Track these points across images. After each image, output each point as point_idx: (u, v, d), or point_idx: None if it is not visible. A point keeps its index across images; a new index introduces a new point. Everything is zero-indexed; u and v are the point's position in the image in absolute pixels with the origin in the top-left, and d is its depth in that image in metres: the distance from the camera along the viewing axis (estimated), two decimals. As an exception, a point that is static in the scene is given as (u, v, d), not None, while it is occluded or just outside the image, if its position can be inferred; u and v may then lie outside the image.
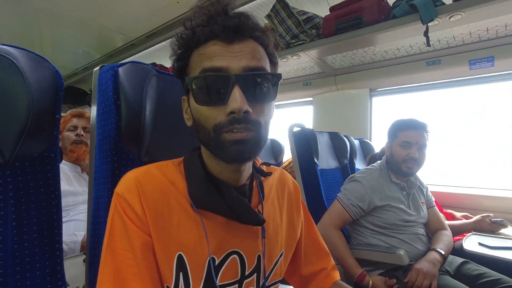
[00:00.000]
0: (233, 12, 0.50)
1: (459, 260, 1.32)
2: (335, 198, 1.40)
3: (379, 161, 1.50)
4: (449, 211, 1.85)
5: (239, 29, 0.49)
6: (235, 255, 0.55)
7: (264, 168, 0.66)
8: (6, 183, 0.53)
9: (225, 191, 0.53)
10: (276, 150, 2.62)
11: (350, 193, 1.35)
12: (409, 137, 1.35)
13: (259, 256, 0.58)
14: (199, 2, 0.52)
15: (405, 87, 2.29)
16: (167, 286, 0.52)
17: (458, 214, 1.78)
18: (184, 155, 0.60)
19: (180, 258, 0.51)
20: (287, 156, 2.58)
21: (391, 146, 1.42)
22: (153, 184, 0.53)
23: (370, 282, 1.21)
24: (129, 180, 0.53)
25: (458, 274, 1.26)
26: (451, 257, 1.35)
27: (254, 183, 0.61)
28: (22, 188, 0.55)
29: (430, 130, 1.38)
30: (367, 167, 1.51)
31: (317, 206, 1.48)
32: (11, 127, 0.53)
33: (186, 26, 0.52)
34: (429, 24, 1.43)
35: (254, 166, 0.62)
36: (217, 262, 0.53)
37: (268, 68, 0.53)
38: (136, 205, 0.51)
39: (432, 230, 1.42)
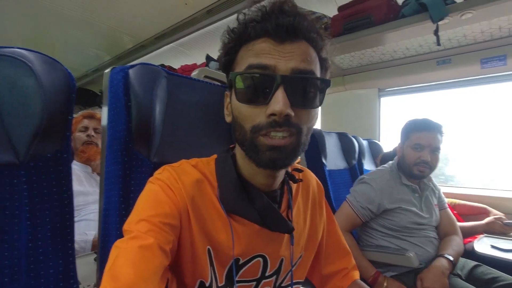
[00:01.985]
0: (289, 9, 0.47)
1: (471, 263, 1.29)
2: (344, 199, 1.38)
3: (390, 162, 1.47)
4: (463, 202, 1.81)
5: (292, 29, 0.46)
6: (259, 258, 0.55)
7: (297, 174, 0.64)
8: (20, 183, 0.54)
9: (256, 197, 0.51)
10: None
11: (359, 195, 1.32)
12: (421, 139, 1.30)
13: (281, 260, 0.58)
14: None
15: (414, 87, 2.26)
16: (201, 281, 0.52)
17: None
18: (197, 155, 0.60)
19: (209, 252, 0.51)
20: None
21: (403, 148, 1.37)
22: (190, 177, 0.52)
23: (385, 283, 1.18)
24: (166, 172, 0.52)
25: (470, 277, 1.24)
26: (462, 260, 1.32)
27: (285, 188, 0.60)
28: (36, 188, 0.56)
29: (445, 131, 1.33)
30: (378, 168, 1.48)
31: (325, 207, 1.47)
32: (25, 128, 0.54)
33: (239, 20, 0.50)
34: (439, 23, 1.41)
35: (286, 171, 0.60)
36: (241, 262, 0.54)
37: (318, 72, 0.50)
38: (176, 187, 0.50)
39: (442, 234, 1.39)
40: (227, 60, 0.53)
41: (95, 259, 0.97)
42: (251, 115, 0.47)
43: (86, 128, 1.56)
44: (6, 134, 0.53)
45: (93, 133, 1.55)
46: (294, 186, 0.64)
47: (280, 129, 0.45)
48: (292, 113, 0.45)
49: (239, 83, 0.47)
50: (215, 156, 0.59)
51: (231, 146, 0.60)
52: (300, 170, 0.65)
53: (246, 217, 0.52)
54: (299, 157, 1.64)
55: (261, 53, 0.46)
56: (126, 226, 0.47)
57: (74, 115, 1.44)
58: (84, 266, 0.94)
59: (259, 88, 0.46)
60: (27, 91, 0.53)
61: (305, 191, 0.67)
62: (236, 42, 0.50)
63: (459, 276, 1.23)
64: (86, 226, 1.34)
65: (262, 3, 0.48)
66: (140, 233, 0.44)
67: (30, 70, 0.54)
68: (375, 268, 1.23)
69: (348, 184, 1.68)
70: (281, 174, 0.55)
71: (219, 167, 0.55)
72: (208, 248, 0.51)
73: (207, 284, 0.51)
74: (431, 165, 1.30)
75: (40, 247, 0.56)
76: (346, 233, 1.29)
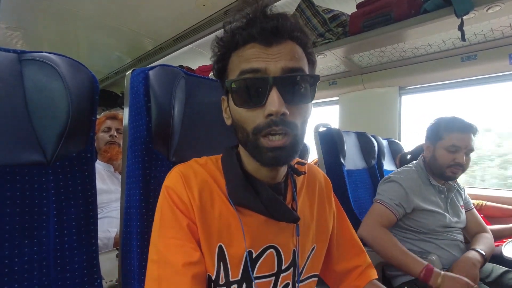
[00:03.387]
0: (271, 13, 0.51)
1: (500, 269, 1.23)
2: (363, 199, 1.35)
3: (414, 162, 1.41)
4: (491, 204, 1.73)
5: (277, 31, 0.49)
6: (272, 250, 0.57)
7: (300, 167, 0.66)
8: (48, 182, 0.57)
9: (261, 189, 0.55)
10: (301, 150, 2.59)
11: (390, 193, 1.26)
12: (458, 140, 1.23)
13: (294, 251, 0.60)
14: (239, 6, 0.52)
15: (437, 85, 2.18)
16: (209, 275, 0.54)
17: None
18: (214, 153, 0.62)
19: (220, 248, 0.54)
20: (313, 156, 2.55)
21: (434, 148, 1.30)
22: (197, 177, 0.56)
23: (439, 279, 0.99)
24: (175, 175, 0.56)
25: (499, 284, 1.17)
26: (490, 265, 1.26)
27: (288, 180, 0.62)
28: (62, 186, 0.59)
29: (478, 132, 1.26)
30: (403, 168, 1.42)
31: (343, 207, 1.44)
32: (53, 129, 0.57)
33: (226, 29, 0.53)
34: (464, 17, 1.35)
35: (289, 165, 0.62)
36: (254, 255, 0.56)
37: (306, 68, 0.53)
38: (183, 195, 0.54)
39: (471, 234, 1.33)
40: (220, 67, 0.56)
41: (117, 256, 1.00)
42: (251, 117, 0.50)
43: (109, 129, 1.62)
44: (35, 135, 0.56)
45: (115, 134, 1.61)
46: (299, 180, 0.66)
47: (277, 128, 0.48)
48: (287, 112, 0.48)
49: (235, 89, 0.51)
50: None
51: (236, 144, 0.63)
52: (303, 163, 0.67)
53: (252, 208, 0.55)
54: (316, 157, 1.62)
55: (251, 58, 0.49)
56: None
57: (97, 116, 1.50)
58: (107, 262, 0.97)
59: (254, 91, 0.49)
60: (54, 93, 0.56)
61: (311, 185, 0.68)
62: (226, 50, 0.53)
63: (486, 283, 1.17)
64: (109, 223, 1.39)
65: (246, 10, 0.51)
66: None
67: (57, 73, 0.56)
68: (424, 262, 1.06)
69: (367, 184, 1.64)
70: (283, 168, 0.59)
71: (225, 164, 0.59)
72: (220, 245, 0.54)
73: (213, 278, 0.54)
74: (464, 167, 1.25)
75: (66, 242, 0.58)
76: (383, 229, 1.17)
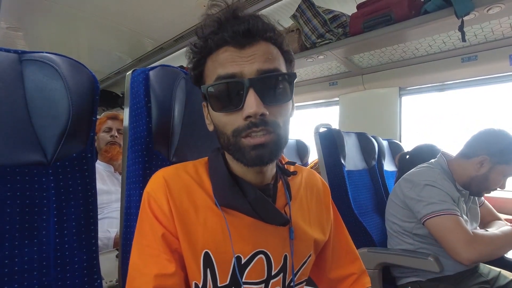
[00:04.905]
0: (242, 15, 0.50)
1: (506, 278, 1.21)
2: (363, 200, 1.34)
3: (433, 161, 1.32)
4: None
5: (248, 33, 0.49)
6: (261, 255, 0.55)
7: (290, 168, 0.64)
8: (48, 182, 0.57)
9: (248, 190, 0.53)
10: (301, 151, 2.59)
11: (443, 199, 1.12)
12: None
13: (285, 256, 0.58)
14: (209, 10, 0.52)
15: (437, 85, 2.18)
16: (195, 283, 0.53)
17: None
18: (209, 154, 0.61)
19: (206, 255, 0.52)
20: (313, 157, 2.55)
21: (492, 168, 1.16)
22: (180, 184, 0.55)
23: None
24: (157, 180, 0.55)
25: None
26: (497, 270, 1.25)
27: (280, 183, 0.60)
28: (63, 186, 0.59)
29: None
30: (425, 168, 1.28)
31: (343, 208, 1.44)
32: (53, 129, 0.57)
33: (198, 35, 0.52)
34: (464, 18, 1.35)
35: (277, 165, 0.61)
36: (243, 261, 0.54)
37: (283, 67, 0.53)
38: (164, 204, 0.53)
39: (485, 223, 1.31)
40: (196, 74, 0.55)
41: (117, 256, 1.00)
42: (230, 121, 0.50)
43: (110, 129, 1.62)
44: (36, 135, 0.56)
45: (116, 134, 1.61)
46: (295, 184, 0.64)
47: (257, 129, 0.47)
48: (267, 112, 0.47)
49: (212, 94, 0.50)
50: None
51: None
52: (292, 163, 0.65)
53: (239, 209, 0.53)
54: (316, 158, 1.62)
55: (225, 63, 0.49)
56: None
57: (98, 116, 1.50)
58: (106, 262, 0.97)
59: (231, 95, 0.49)
60: (55, 93, 0.56)
61: (309, 189, 0.67)
62: (200, 56, 0.53)
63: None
64: (109, 223, 1.39)
65: (217, 14, 0.51)
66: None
67: (57, 73, 0.56)
68: None
69: (368, 185, 1.64)
70: (270, 169, 0.57)
71: (211, 165, 0.58)
72: (206, 252, 0.52)
73: (200, 286, 0.53)
74: None
75: (66, 242, 0.58)
76: (475, 236, 1.06)
